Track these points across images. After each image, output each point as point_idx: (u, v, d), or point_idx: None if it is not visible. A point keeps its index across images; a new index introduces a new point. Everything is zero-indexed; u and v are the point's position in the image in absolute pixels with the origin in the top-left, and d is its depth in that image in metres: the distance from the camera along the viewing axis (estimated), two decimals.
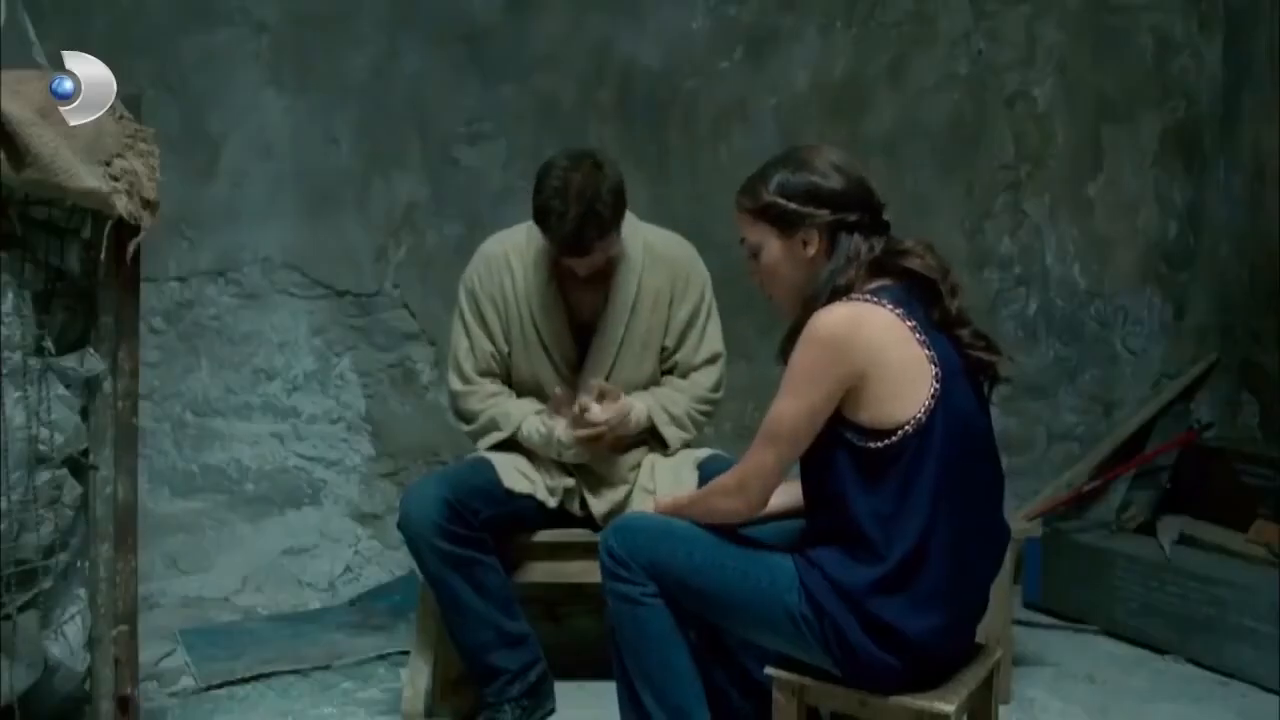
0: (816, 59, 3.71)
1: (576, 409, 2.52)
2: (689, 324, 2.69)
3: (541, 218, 2.47)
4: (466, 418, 2.69)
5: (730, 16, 3.68)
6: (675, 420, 2.66)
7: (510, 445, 2.65)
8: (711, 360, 2.72)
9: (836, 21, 3.71)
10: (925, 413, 1.84)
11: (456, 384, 2.68)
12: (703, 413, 2.71)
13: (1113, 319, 3.92)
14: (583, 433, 2.52)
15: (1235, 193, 3.86)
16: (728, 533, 2.06)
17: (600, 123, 3.60)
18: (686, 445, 2.71)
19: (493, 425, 2.64)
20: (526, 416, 2.62)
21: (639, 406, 2.61)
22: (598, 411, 2.52)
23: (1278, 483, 3.29)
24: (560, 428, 2.56)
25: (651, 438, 2.68)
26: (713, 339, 2.73)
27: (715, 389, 2.73)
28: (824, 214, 1.95)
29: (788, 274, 2.00)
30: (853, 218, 1.94)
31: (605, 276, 2.62)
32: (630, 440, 2.65)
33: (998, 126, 3.81)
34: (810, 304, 1.93)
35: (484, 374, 2.66)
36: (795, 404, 1.89)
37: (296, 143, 3.59)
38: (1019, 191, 3.85)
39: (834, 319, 1.87)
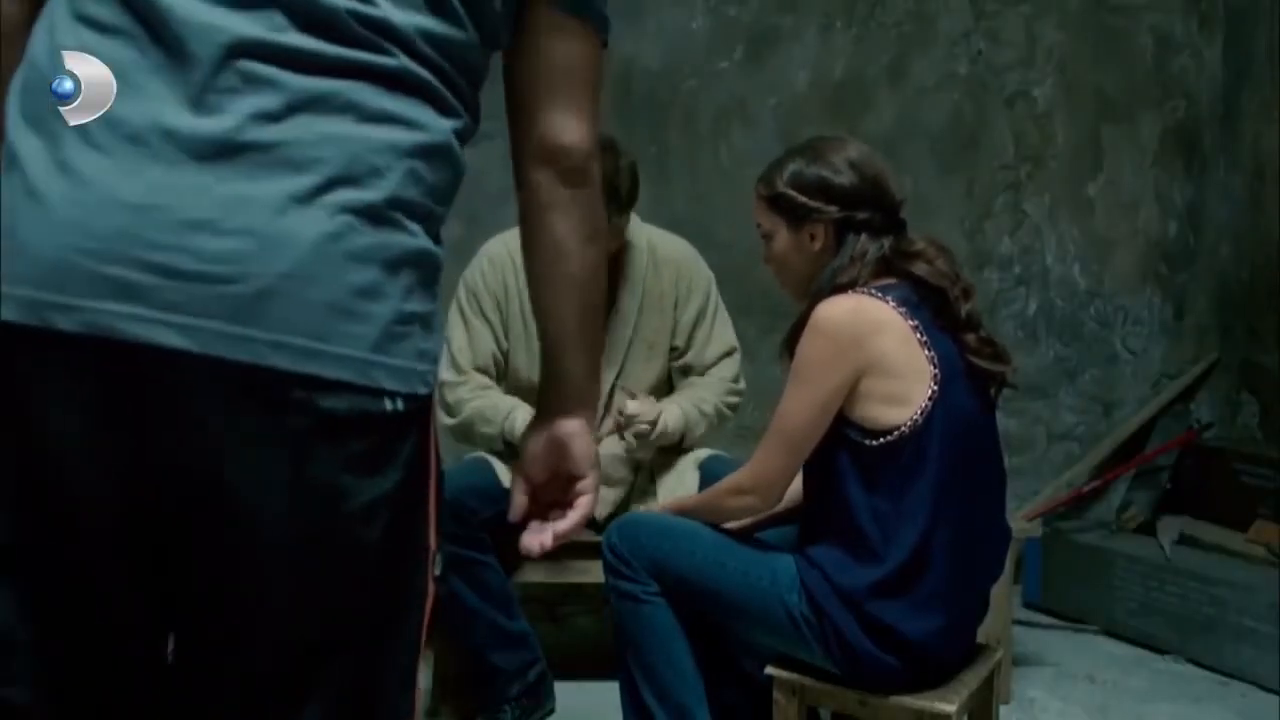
0: (816, 59, 3.71)
1: (615, 415, 2.51)
2: (696, 324, 2.70)
3: None
4: (452, 409, 2.61)
5: (730, 16, 3.68)
6: (707, 418, 2.67)
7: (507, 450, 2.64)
8: (727, 354, 2.74)
9: (836, 21, 3.71)
10: (922, 415, 1.84)
11: (449, 374, 2.62)
12: (729, 405, 2.72)
13: (1113, 319, 3.92)
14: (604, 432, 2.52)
15: (1235, 193, 3.86)
16: (729, 533, 2.06)
17: (600, 123, 3.59)
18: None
19: (479, 418, 2.59)
20: (516, 407, 2.58)
21: (672, 410, 2.60)
22: (636, 406, 2.53)
23: (1278, 483, 3.29)
24: None
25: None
26: (723, 334, 2.74)
27: (736, 380, 2.74)
28: (832, 210, 1.95)
29: (794, 264, 2.01)
30: (861, 216, 1.94)
31: (610, 277, 2.63)
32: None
33: (998, 126, 3.81)
34: (813, 300, 1.93)
35: (480, 370, 2.65)
36: (804, 399, 1.89)
37: None
38: (1019, 191, 3.85)
39: (837, 310, 1.88)
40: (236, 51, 0.92)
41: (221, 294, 0.89)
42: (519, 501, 1.22)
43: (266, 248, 0.90)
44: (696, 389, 2.70)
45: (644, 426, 2.53)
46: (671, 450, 2.70)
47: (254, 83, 0.92)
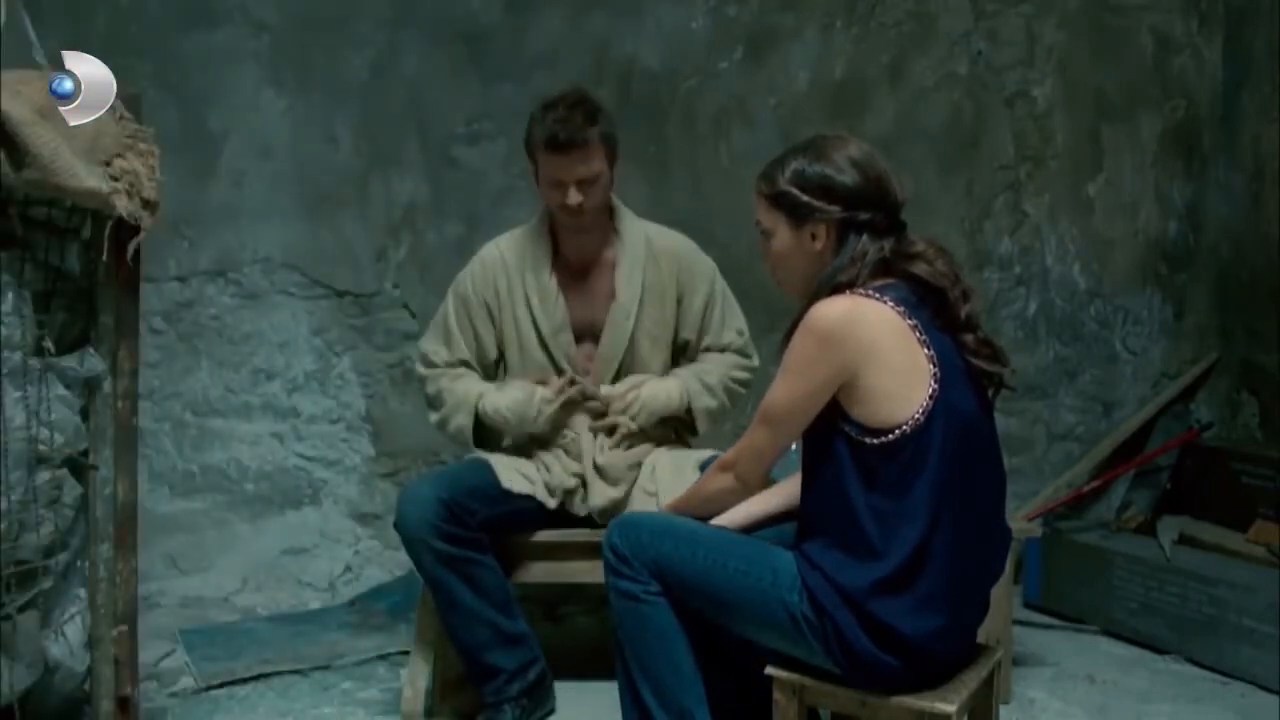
0: (816, 59, 3.72)
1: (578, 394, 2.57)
2: (706, 311, 2.72)
3: (534, 124, 2.55)
4: (434, 401, 2.70)
5: (730, 16, 3.68)
6: (709, 389, 2.69)
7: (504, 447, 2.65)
8: (740, 332, 2.77)
9: (836, 21, 3.72)
10: (923, 414, 1.84)
11: (422, 369, 2.72)
12: (737, 380, 2.75)
13: (1113, 319, 3.92)
14: (572, 391, 2.58)
15: (1235, 193, 3.86)
16: (730, 532, 2.06)
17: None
18: (689, 444, 2.72)
19: (455, 408, 2.64)
20: (486, 392, 2.63)
21: (668, 384, 2.64)
22: (606, 390, 2.58)
23: (1278, 483, 3.30)
24: (543, 389, 2.58)
25: (666, 425, 2.70)
26: (734, 316, 2.77)
27: (745, 352, 2.76)
28: (834, 210, 1.94)
29: (794, 263, 2.00)
30: (864, 216, 1.94)
31: (607, 270, 2.64)
32: (636, 434, 2.66)
33: (998, 126, 3.82)
34: (812, 299, 1.93)
35: (453, 366, 2.70)
36: (789, 389, 1.91)
37: (296, 143, 3.58)
38: (1019, 191, 3.85)
39: (831, 312, 1.88)
40: None
41: None
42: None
43: None
44: (699, 363, 2.73)
45: (622, 402, 2.59)
46: (674, 449, 2.69)
47: None
